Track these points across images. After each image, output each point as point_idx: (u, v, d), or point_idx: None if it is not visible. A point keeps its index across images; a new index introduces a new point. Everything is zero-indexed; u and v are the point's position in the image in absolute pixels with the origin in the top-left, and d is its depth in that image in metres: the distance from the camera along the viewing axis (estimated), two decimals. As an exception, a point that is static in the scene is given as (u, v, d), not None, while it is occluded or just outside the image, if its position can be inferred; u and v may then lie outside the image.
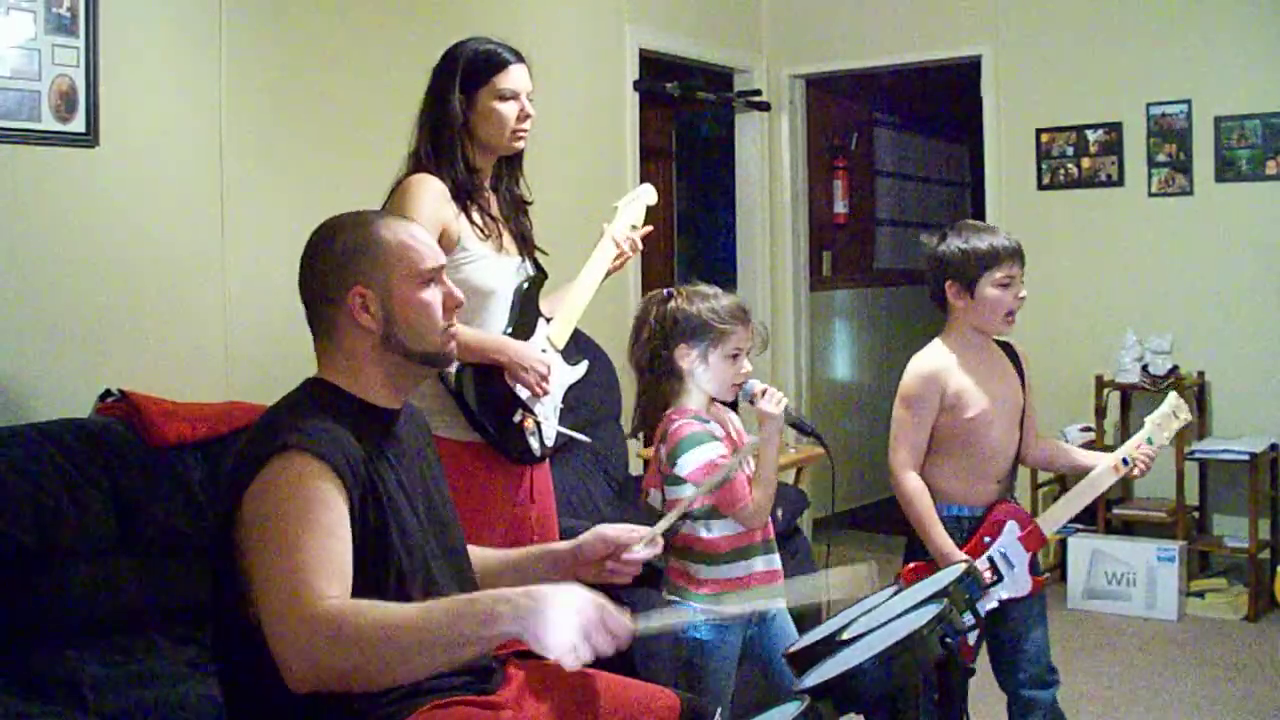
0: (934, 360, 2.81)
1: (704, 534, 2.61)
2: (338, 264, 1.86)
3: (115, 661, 2.69)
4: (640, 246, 2.94)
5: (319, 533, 1.66)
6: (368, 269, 1.85)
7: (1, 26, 2.96)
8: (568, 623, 1.58)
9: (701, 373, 2.60)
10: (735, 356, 2.60)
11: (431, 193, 2.60)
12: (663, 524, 2.08)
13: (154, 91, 3.31)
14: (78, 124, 3.11)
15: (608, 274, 2.89)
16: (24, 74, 3.01)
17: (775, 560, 2.68)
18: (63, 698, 2.52)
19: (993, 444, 2.80)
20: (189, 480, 2.99)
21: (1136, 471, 2.79)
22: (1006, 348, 2.92)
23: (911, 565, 2.79)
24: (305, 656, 1.58)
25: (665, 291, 2.68)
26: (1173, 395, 2.88)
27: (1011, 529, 2.78)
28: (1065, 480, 5.18)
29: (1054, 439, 3.07)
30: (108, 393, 3.13)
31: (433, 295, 1.90)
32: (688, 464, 2.55)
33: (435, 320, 1.89)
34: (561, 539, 3.30)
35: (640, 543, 2.04)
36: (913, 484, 2.76)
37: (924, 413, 2.77)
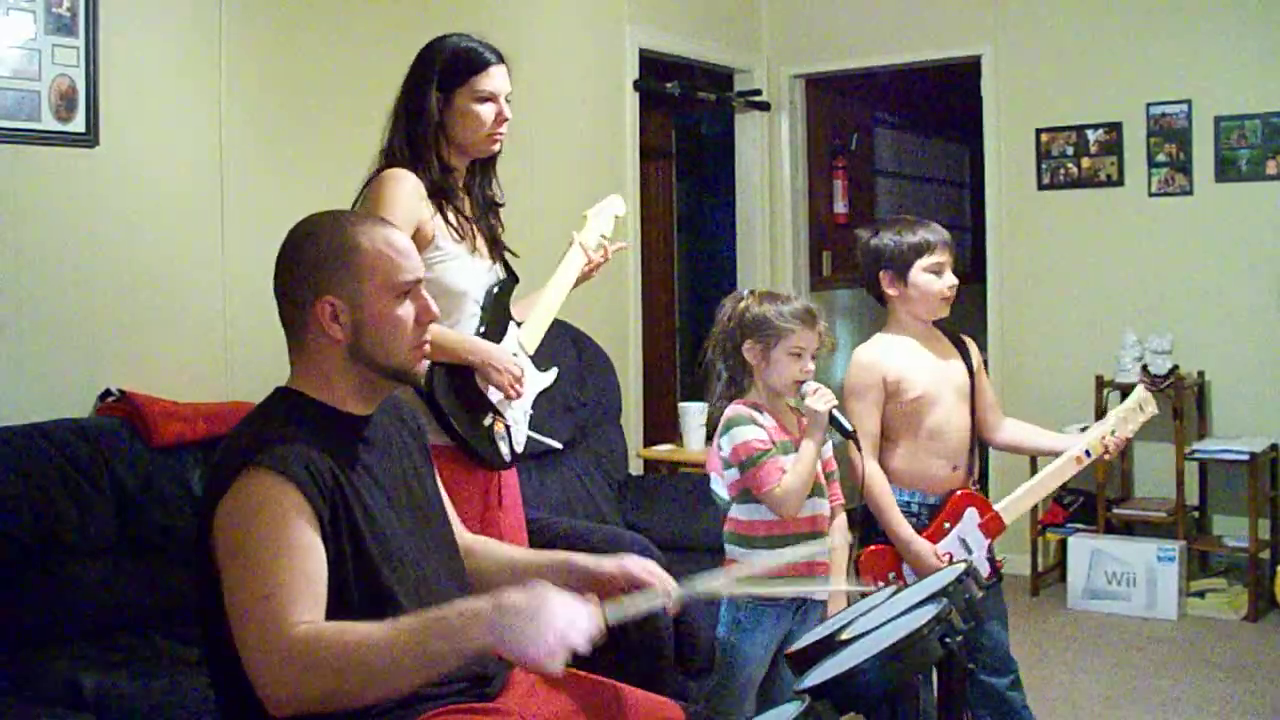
0: (871, 350, 2.93)
1: (740, 517, 2.73)
2: (311, 269, 1.81)
3: (115, 661, 2.70)
4: (610, 256, 2.91)
5: (288, 556, 1.64)
6: (341, 277, 1.80)
7: (1, 26, 2.96)
8: (540, 630, 1.56)
9: (764, 368, 2.74)
10: (798, 355, 2.72)
11: (407, 189, 2.55)
12: (690, 587, 1.97)
13: (154, 91, 3.31)
14: (78, 124, 3.11)
15: (579, 281, 2.86)
16: (24, 74, 3.01)
17: (822, 553, 2.73)
18: (63, 698, 2.52)
19: (938, 421, 2.87)
20: (189, 480, 2.99)
21: (1106, 458, 2.90)
22: (954, 338, 3.00)
23: (871, 548, 2.85)
24: (281, 684, 1.57)
25: (743, 291, 2.84)
26: (1140, 389, 2.97)
27: (971, 515, 2.84)
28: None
29: (1020, 421, 3.11)
30: (108, 393, 3.13)
31: (406, 311, 1.84)
32: (726, 444, 2.71)
33: (406, 336, 1.84)
34: (562, 539, 3.31)
35: (659, 596, 1.92)
36: (873, 472, 2.83)
37: (870, 399, 2.87)
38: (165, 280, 3.33)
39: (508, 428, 2.71)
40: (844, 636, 1.75)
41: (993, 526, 2.85)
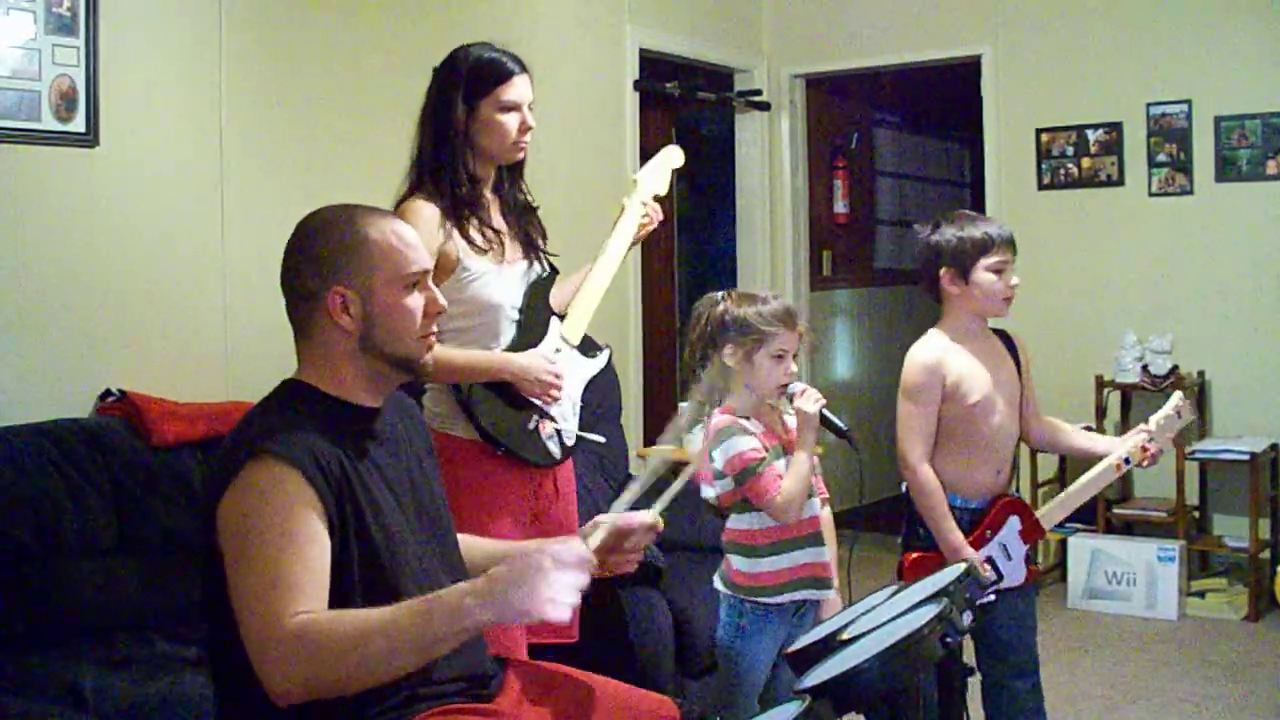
0: (933, 349, 2.82)
1: (740, 527, 2.69)
2: (321, 261, 1.83)
3: (115, 661, 2.70)
4: (655, 217, 2.88)
5: (292, 545, 1.65)
6: (351, 269, 1.82)
7: (1, 26, 2.96)
8: (533, 585, 1.59)
9: (747, 372, 2.68)
10: (780, 358, 2.68)
11: (424, 222, 2.57)
12: (658, 505, 2.04)
13: (154, 91, 3.31)
14: (78, 124, 3.11)
15: (632, 243, 2.87)
16: (24, 74, 3.01)
17: (823, 553, 2.72)
18: (63, 698, 2.52)
19: (993, 429, 2.82)
20: (189, 480, 2.99)
21: (1144, 466, 2.82)
22: (1003, 336, 2.94)
23: (915, 555, 2.80)
24: (284, 674, 1.59)
25: (717, 294, 2.76)
26: (1177, 395, 2.89)
27: (1013, 523, 2.80)
28: (1065, 479, 5.18)
29: (1055, 419, 3.06)
30: (108, 393, 3.13)
31: (415, 301, 1.87)
32: (719, 456, 2.66)
33: (414, 326, 1.87)
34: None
35: (641, 528, 2.00)
36: (929, 478, 2.77)
37: (929, 402, 2.79)
38: (165, 280, 3.33)
39: (557, 428, 2.72)
40: (844, 636, 1.75)
41: (1032, 533, 2.80)
